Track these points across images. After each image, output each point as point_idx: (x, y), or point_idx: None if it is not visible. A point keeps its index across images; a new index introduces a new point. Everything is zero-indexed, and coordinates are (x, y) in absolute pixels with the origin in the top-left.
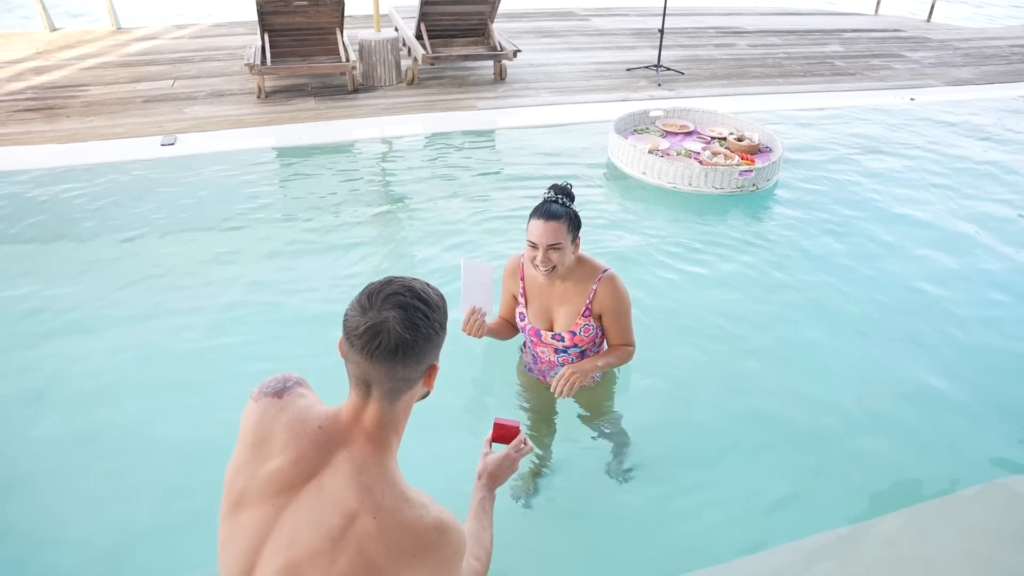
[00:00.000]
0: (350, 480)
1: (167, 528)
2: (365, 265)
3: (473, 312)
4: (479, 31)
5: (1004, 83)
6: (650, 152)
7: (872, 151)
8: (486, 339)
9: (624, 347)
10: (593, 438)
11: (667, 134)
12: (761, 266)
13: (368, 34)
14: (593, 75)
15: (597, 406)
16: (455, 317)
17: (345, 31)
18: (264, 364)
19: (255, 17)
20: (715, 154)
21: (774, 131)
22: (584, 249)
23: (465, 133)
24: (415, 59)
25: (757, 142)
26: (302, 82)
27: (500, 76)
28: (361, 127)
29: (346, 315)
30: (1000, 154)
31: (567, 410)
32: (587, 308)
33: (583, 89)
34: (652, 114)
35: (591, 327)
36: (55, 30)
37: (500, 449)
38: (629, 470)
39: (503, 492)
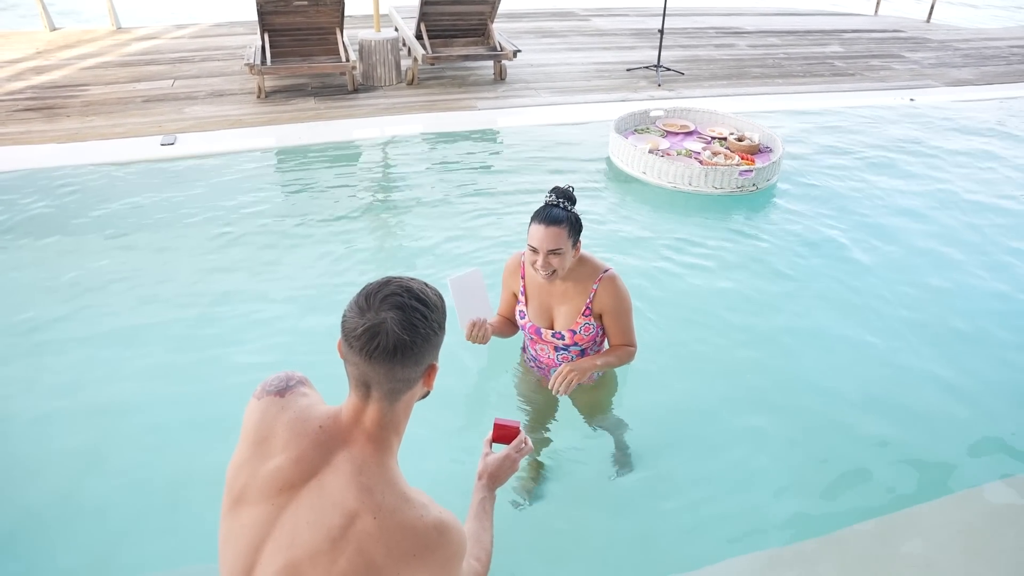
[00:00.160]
0: (350, 480)
1: (167, 525)
2: (364, 265)
3: (473, 326)
4: (479, 31)
5: (1004, 83)
6: (650, 152)
7: (872, 152)
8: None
9: (625, 347)
10: (593, 438)
11: (667, 134)
12: (761, 266)
13: (368, 34)
14: (593, 75)
15: (596, 406)
16: (455, 336)
17: (345, 31)
18: (263, 363)
19: (255, 17)
20: (715, 154)
21: (774, 131)
22: (583, 248)
23: (465, 133)
24: (415, 59)
25: (757, 142)
26: (302, 82)
27: (500, 76)
28: (361, 127)
29: (344, 316)
30: (1000, 154)
31: (567, 410)
32: (587, 307)
33: (583, 89)
34: (652, 114)
35: (591, 326)
36: (55, 30)
37: (500, 449)
38: (629, 469)
39: (503, 492)
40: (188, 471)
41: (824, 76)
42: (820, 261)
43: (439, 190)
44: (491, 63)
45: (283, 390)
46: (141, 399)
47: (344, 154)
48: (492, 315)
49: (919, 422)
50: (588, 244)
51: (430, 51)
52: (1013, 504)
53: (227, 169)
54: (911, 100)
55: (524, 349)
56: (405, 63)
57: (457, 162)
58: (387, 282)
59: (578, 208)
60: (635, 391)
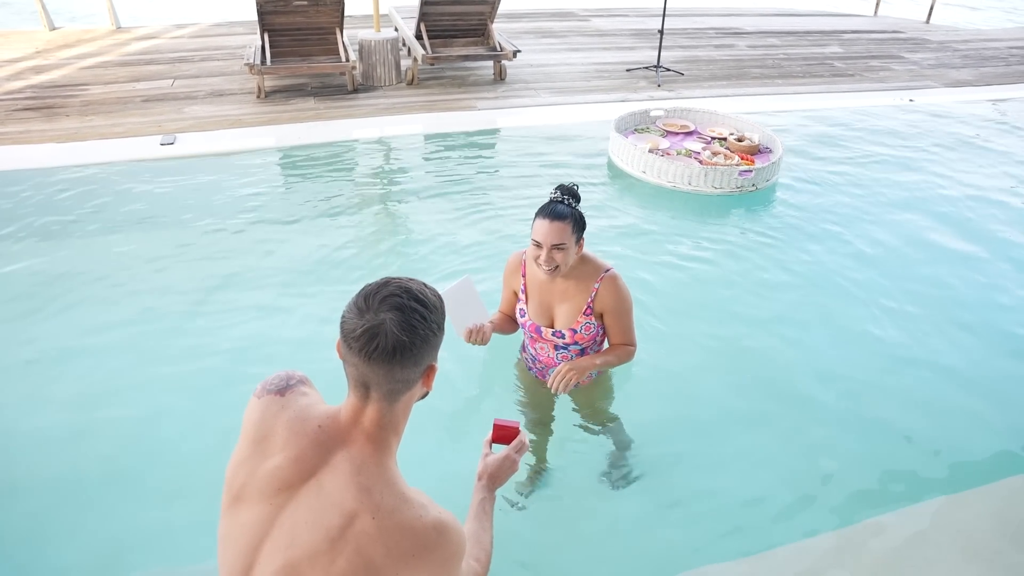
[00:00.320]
0: (349, 480)
1: (167, 525)
2: (364, 265)
3: (471, 333)
4: (479, 31)
5: (1003, 84)
6: (650, 151)
7: (871, 152)
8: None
9: (625, 347)
10: (592, 437)
11: (667, 134)
12: (760, 266)
13: (368, 34)
14: (593, 76)
15: (595, 405)
16: (454, 338)
17: (345, 31)
18: (263, 363)
19: (255, 17)
20: (715, 154)
21: (773, 132)
22: (585, 248)
23: (465, 133)
24: (415, 59)
25: (757, 142)
26: (302, 82)
27: (500, 76)
28: (361, 127)
29: (343, 317)
30: (998, 155)
31: (566, 409)
32: (588, 306)
33: (583, 90)
34: (653, 114)
35: (592, 325)
36: (54, 29)
37: (500, 450)
38: (628, 469)
39: (503, 493)
40: (187, 471)
41: (824, 77)
42: (819, 261)
43: (439, 190)
44: (491, 63)
45: (283, 389)
46: (140, 399)
47: (344, 154)
48: (487, 318)
49: (919, 422)
50: (587, 243)
51: (430, 51)
52: (1013, 504)
53: (227, 169)
54: (910, 101)
55: (523, 348)
56: (405, 63)
57: (457, 162)
58: (386, 283)
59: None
60: (634, 390)
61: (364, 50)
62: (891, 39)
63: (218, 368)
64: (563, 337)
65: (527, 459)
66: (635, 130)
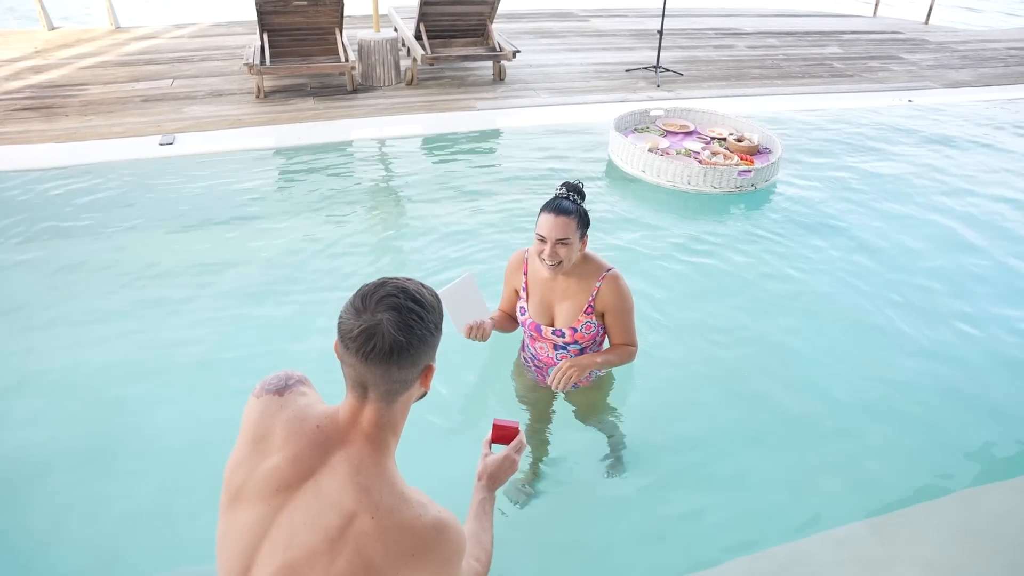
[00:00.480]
0: (347, 480)
1: (165, 526)
2: (362, 265)
3: (471, 329)
4: (478, 31)
5: (1001, 85)
6: (650, 151)
7: (870, 153)
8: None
9: (626, 347)
10: (591, 437)
11: (667, 133)
12: (758, 265)
13: (367, 34)
14: (592, 76)
15: (594, 406)
16: (454, 338)
17: (344, 31)
18: (260, 363)
19: (254, 17)
20: (715, 154)
21: (773, 132)
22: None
23: (464, 134)
24: (414, 59)
25: (756, 143)
26: (301, 82)
27: (499, 77)
28: (360, 127)
29: (340, 318)
30: (997, 155)
31: (565, 410)
32: (590, 305)
33: (582, 90)
34: (653, 113)
35: (592, 324)
36: (54, 29)
37: (499, 450)
38: (626, 470)
39: (501, 493)
40: (185, 471)
41: (823, 77)
42: (818, 260)
43: (438, 190)
44: (490, 63)
45: (282, 389)
46: (138, 399)
47: (343, 154)
48: (488, 315)
49: (918, 422)
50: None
51: (429, 51)
52: (1011, 504)
53: (226, 169)
54: (909, 101)
55: (523, 348)
56: (404, 63)
57: (456, 162)
58: (383, 283)
59: None
60: (633, 390)
61: (363, 50)
62: (890, 40)
63: (217, 368)
64: (563, 336)
65: (525, 459)
66: (635, 130)
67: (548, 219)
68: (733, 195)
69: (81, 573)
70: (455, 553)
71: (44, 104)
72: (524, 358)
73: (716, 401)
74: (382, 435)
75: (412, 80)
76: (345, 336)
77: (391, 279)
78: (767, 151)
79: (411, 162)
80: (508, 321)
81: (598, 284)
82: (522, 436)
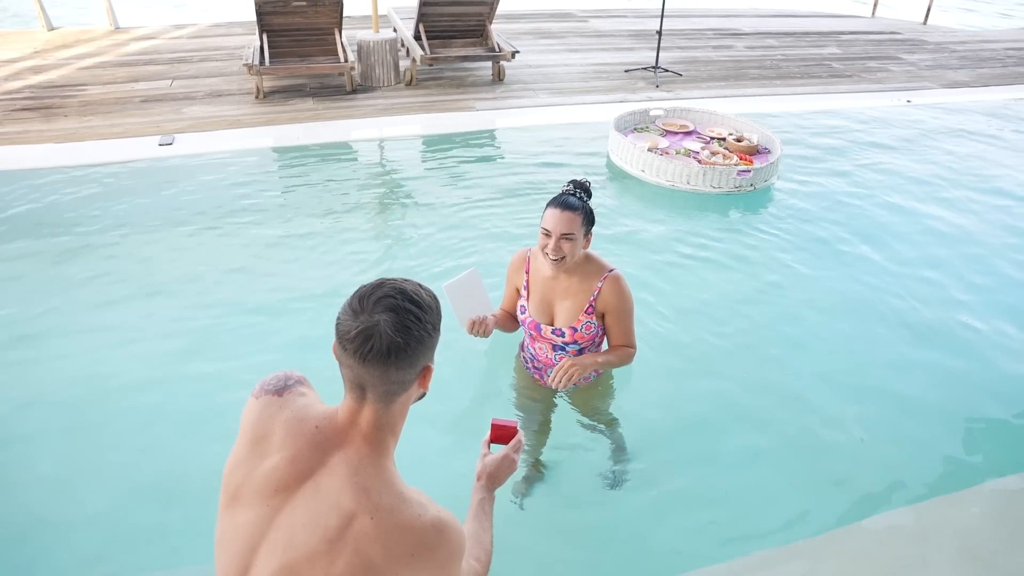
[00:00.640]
0: (346, 481)
1: (164, 526)
2: (361, 265)
3: (473, 325)
4: (477, 32)
5: (1000, 85)
6: (649, 150)
7: (869, 153)
8: (485, 339)
9: (625, 348)
10: (590, 438)
11: (667, 133)
12: (757, 264)
13: (367, 35)
14: (591, 76)
15: (593, 406)
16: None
17: (344, 31)
18: (259, 363)
19: (254, 17)
20: (714, 154)
21: (773, 132)
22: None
23: (463, 134)
24: (413, 60)
25: (756, 143)
26: (300, 82)
27: (498, 77)
28: (359, 128)
29: (338, 319)
30: (996, 155)
31: (564, 410)
32: (591, 305)
33: (581, 90)
34: (652, 113)
35: (592, 325)
36: (53, 29)
37: (498, 450)
38: (626, 469)
39: (501, 493)
40: (184, 471)
41: (822, 78)
42: (816, 261)
43: (437, 191)
44: (489, 64)
45: (281, 389)
46: (137, 399)
47: (342, 155)
48: (492, 310)
49: (916, 421)
50: None
51: (428, 52)
52: (1009, 504)
53: (225, 170)
54: (908, 102)
55: (522, 348)
56: (404, 64)
57: (455, 163)
58: (380, 284)
59: None
60: (632, 390)
61: (363, 51)
62: (889, 40)
63: (216, 368)
64: (563, 335)
65: (524, 459)
66: (635, 129)
67: (554, 213)
68: (732, 195)
69: (80, 574)
70: (455, 553)
71: (43, 104)
72: (523, 359)
73: (716, 401)
74: (381, 436)
75: (411, 80)
76: (343, 337)
77: (389, 280)
78: (766, 151)
79: (410, 162)
80: (510, 321)
81: (600, 284)
82: (521, 436)
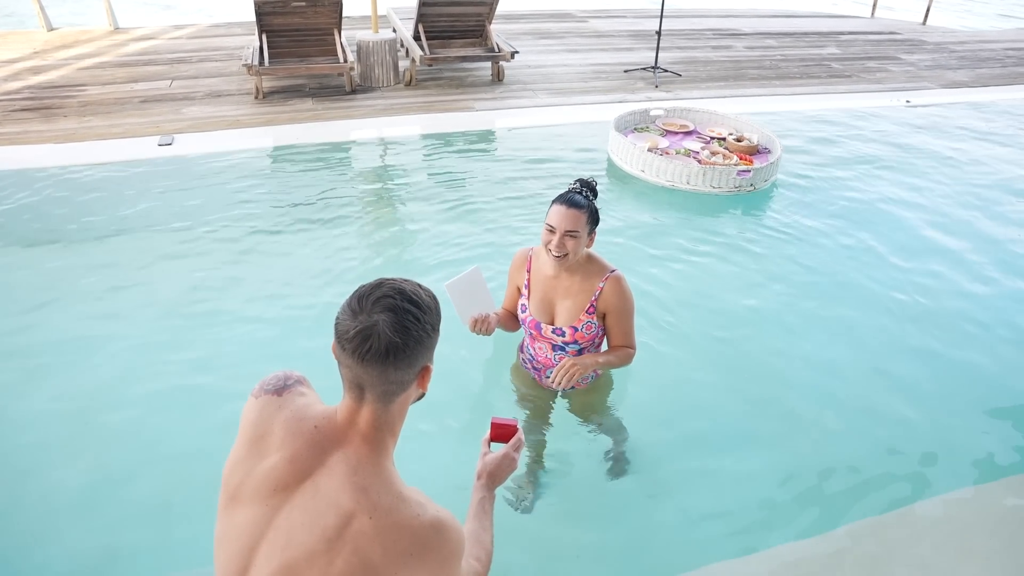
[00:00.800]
0: (345, 481)
1: (163, 527)
2: (361, 266)
3: (476, 323)
4: (477, 32)
5: (999, 86)
6: (649, 150)
7: (868, 153)
8: (485, 339)
9: (625, 349)
10: (589, 438)
11: (667, 133)
12: (757, 264)
13: (366, 35)
14: (590, 77)
15: (592, 407)
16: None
17: (343, 32)
18: (259, 364)
19: (253, 17)
20: (714, 154)
21: (773, 132)
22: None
23: (463, 134)
24: (413, 60)
25: (756, 143)
26: (300, 83)
27: (498, 77)
28: (359, 128)
29: (337, 319)
30: (995, 155)
31: (563, 411)
32: (592, 305)
33: (580, 91)
34: (653, 113)
35: (593, 325)
36: (52, 30)
37: (498, 448)
38: (625, 470)
39: (500, 493)
40: (184, 472)
41: (821, 78)
42: (816, 260)
43: (436, 191)
44: (489, 64)
45: (281, 389)
46: (136, 399)
47: (342, 155)
48: (494, 308)
49: (916, 421)
50: None
51: (428, 52)
52: (1009, 504)
53: (225, 170)
54: (907, 102)
55: (521, 349)
56: (403, 64)
57: (455, 163)
58: (380, 284)
59: None
60: (632, 390)
61: (362, 51)
62: (888, 40)
63: (215, 368)
64: (563, 335)
65: (524, 460)
66: (635, 129)
67: (560, 210)
68: (732, 195)
69: (79, 575)
70: (454, 553)
71: (43, 105)
72: (523, 359)
73: (716, 400)
74: (379, 436)
75: (411, 81)
76: (342, 337)
77: (388, 280)
78: (766, 151)
79: (410, 163)
80: (511, 320)
81: (601, 284)
82: (521, 434)
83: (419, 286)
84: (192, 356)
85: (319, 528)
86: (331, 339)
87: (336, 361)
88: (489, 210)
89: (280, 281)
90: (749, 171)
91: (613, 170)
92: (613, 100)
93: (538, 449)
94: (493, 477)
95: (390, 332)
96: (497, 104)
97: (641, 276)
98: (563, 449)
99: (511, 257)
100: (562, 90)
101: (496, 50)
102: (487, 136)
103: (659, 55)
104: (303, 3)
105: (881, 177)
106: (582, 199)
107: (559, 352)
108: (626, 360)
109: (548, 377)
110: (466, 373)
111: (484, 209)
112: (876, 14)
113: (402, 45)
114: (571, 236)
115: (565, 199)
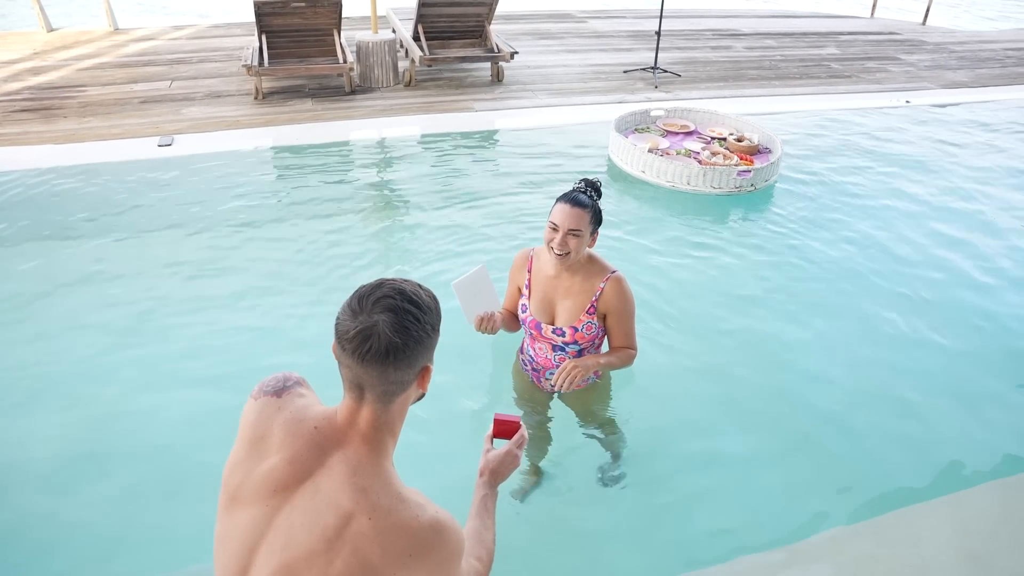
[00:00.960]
0: (345, 481)
1: (163, 527)
2: (361, 266)
3: (482, 321)
4: (476, 33)
5: (998, 86)
6: (650, 151)
7: (868, 153)
8: (485, 339)
9: (625, 349)
10: (589, 439)
11: (667, 133)
12: (757, 265)
13: (366, 35)
14: (590, 77)
15: (591, 408)
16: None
17: (343, 32)
18: (259, 364)
19: (253, 18)
20: (714, 154)
21: (773, 132)
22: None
23: (462, 135)
24: (412, 60)
25: (756, 143)
26: (299, 83)
27: (497, 78)
28: (358, 128)
29: (338, 319)
30: (994, 155)
31: (564, 410)
32: (592, 306)
33: (580, 91)
34: (653, 113)
35: (593, 325)
36: (52, 30)
37: (501, 445)
38: (625, 470)
39: (500, 494)
40: (183, 472)
41: (820, 78)
42: (816, 260)
43: (436, 192)
44: (488, 65)
45: (280, 390)
46: (136, 400)
47: (341, 155)
48: (500, 307)
49: (915, 422)
50: None
51: (427, 52)
52: (1008, 504)
53: (224, 170)
54: (907, 102)
55: (521, 350)
56: (402, 64)
57: (454, 164)
58: (380, 284)
59: None
60: (632, 390)
61: (362, 51)
62: (888, 41)
63: (215, 369)
64: (563, 335)
65: (524, 461)
66: (635, 130)
67: (563, 208)
68: (733, 195)
69: (80, 574)
70: (453, 553)
71: (43, 105)
72: (522, 361)
73: (716, 401)
74: (379, 436)
75: (410, 81)
76: (342, 337)
77: (388, 280)
78: (767, 151)
79: (409, 163)
80: (511, 320)
81: (602, 285)
82: (524, 430)
83: (419, 286)
84: (192, 357)
85: (318, 528)
86: (331, 340)
87: (336, 361)
88: (488, 210)
89: (280, 281)
90: (750, 171)
91: (614, 171)
92: (613, 101)
93: (538, 449)
94: (496, 474)
95: (390, 332)
96: (497, 105)
97: (642, 277)
98: (563, 448)
99: (511, 258)
100: (562, 91)
101: (496, 50)
102: (487, 137)
103: (659, 55)
104: (303, 4)
105: (881, 177)
106: (586, 198)
107: (559, 353)
108: (627, 361)
109: (548, 379)
110: (467, 371)
111: (483, 209)
112: (876, 14)
113: (401, 46)
114: (574, 235)
115: (569, 198)
